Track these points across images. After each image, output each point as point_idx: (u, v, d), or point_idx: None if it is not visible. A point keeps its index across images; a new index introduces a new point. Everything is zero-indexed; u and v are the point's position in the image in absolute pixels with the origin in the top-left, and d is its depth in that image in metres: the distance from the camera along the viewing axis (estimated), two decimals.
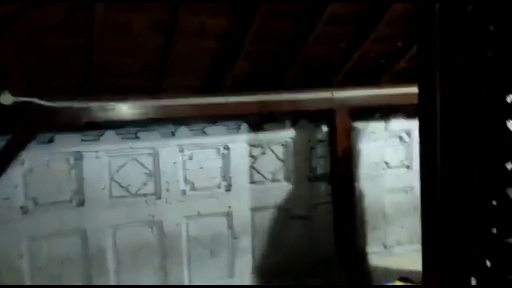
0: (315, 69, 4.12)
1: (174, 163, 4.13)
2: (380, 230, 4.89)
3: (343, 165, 4.25)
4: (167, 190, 4.10)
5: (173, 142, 4.12)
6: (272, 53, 3.78)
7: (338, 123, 4.21)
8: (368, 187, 4.73)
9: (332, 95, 4.21)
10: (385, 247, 4.92)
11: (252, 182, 4.39)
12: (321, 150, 4.55)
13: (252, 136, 4.35)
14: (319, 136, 4.55)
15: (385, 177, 4.88)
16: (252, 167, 4.39)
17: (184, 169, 4.18)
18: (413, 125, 4.92)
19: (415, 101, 4.55)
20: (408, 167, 4.98)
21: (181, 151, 4.16)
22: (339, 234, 4.40)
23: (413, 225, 4.97)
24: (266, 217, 4.44)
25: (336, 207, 4.39)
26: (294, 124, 4.49)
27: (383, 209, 4.89)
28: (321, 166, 4.56)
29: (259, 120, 4.36)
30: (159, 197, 4.09)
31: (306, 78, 4.17)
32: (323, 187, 4.59)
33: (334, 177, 4.39)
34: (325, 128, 4.54)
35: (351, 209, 4.33)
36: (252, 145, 4.37)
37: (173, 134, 4.13)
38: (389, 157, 4.89)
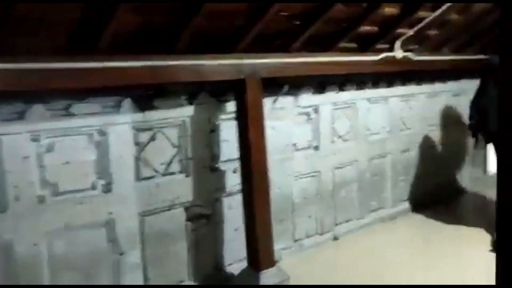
0: (220, 29, 3.19)
1: (25, 158, 2.83)
2: (288, 222, 4.24)
3: (256, 149, 3.43)
4: (16, 199, 2.80)
5: (22, 128, 2.81)
6: (163, 5, 2.74)
7: (250, 97, 3.36)
8: (276, 174, 4.02)
9: (242, 61, 3.34)
10: (294, 240, 4.30)
11: (140, 178, 3.31)
12: (226, 131, 3.65)
13: (137, 116, 3.25)
14: (224, 114, 3.65)
15: (293, 161, 4.22)
16: (138, 158, 3.30)
17: (41, 166, 2.90)
18: (321, 100, 4.34)
19: (327, 71, 3.97)
20: (316, 148, 4.41)
21: (36, 140, 2.87)
22: (250, 232, 3.60)
23: (319, 212, 4.46)
24: (160, 222, 3.41)
25: (247, 200, 3.57)
26: (192, 100, 3.51)
27: (291, 198, 4.25)
28: (227, 151, 3.67)
29: (147, 94, 3.28)
30: (3, 210, 2.77)
31: (208, 40, 3.21)
32: (230, 177, 3.73)
33: (244, 164, 3.55)
34: (230, 105, 3.64)
35: (266, 201, 3.55)
36: (138, 129, 3.28)
37: (21, 116, 2.81)
38: (297, 137, 4.24)
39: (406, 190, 5.42)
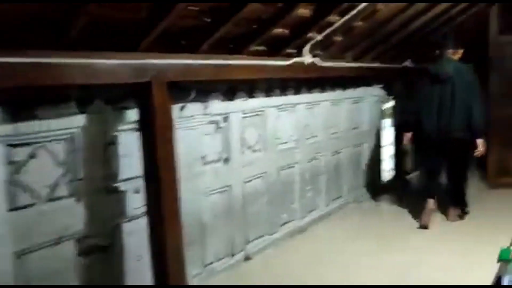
0: (120, 22, 2.64)
1: None
2: (197, 245, 3.76)
3: (165, 163, 2.92)
4: None
5: None
6: None
7: (156, 103, 2.84)
8: (184, 191, 3.52)
9: (146, 61, 2.81)
10: (204, 265, 3.83)
11: (15, 207, 2.58)
12: (126, 144, 3.07)
13: (10, 128, 2.53)
14: (123, 124, 3.06)
15: (203, 176, 3.77)
16: (12, 182, 2.57)
17: None
18: (230, 107, 3.97)
19: (238, 75, 3.59)
20: (226, 160, 4.00)
21: None
22: (158, 261, 3.07)
23: (230, 231, 4.07)
24: (44, 261, 2.71)
25: (154, 225, 3.04)
26: (84, 108, 2.87)
27: (200, 218, 3.78)
28: (127, 168, 3.09)
29: (25, 100, 2.58)
30: None
31: (105, 34, 2.64)
32: (131, 199, 3.15)
33: (150, 182, 3.01)
34: (131, 113, 3.07)
35: (177, 224, 3.05)
36: (11, 144, 2.55)
37: None
38: (207, 149, 3.80)
39: (314, 200, 5.28)
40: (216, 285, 3.74)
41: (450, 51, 5.12)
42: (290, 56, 4.30)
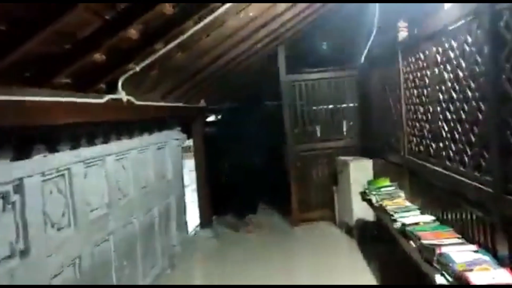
0: None
1: None
2: None
3: None
4: None
5: None
6: None
7: None
8: None
9: None
10: None
11: None
12: None
13: None
14: None
15: None
16: None
17: None
18: (27, 168, 2.60)
19: (38, 118, 2.34)
20: (23, 254, 2.54)
21: None
22: None
23: None
24: None
25: None
26: None
27: None
28: None
29: None
30: None
31: None
32: None
33: None
34: None
35: None
36: None
37: None
38: None
39: (131, 278, 4.08)
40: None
41: None
42: (99, 92, 3.18)
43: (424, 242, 2.76)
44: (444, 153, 3.12)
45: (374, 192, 4.36)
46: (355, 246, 5.45)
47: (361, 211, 5.49)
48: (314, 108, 6.60)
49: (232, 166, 7.43)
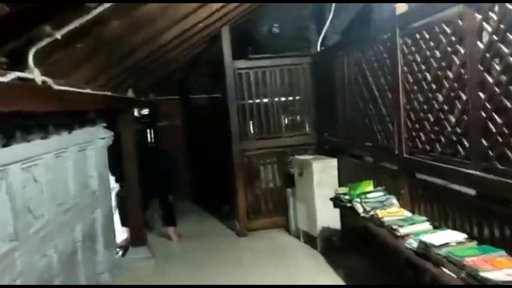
0: None
1: None
2: None
3: None
4: None
5: None
6: None
7: None
8: None
9: None
10: None
11: None
12: None
13: None
14: None
15: None
16: None
17: None
18: None
19: None
20: None
21: None
22: None
23: None
24: None
25: None
26: None
27: None
28: None
29: None
30: None
31: None
32: None
33: None
34: None
35: None
36: None
37: None
38: None
39: None
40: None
41: None
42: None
43: (489, 276, 2.02)
44: (480, 150, 2.43)
45: (358, 199, 3.61)
46: (321, 258, 4.70)
47: (327, 219, 4.76)
48: (265, 100, 5.75)
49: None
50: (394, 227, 3.03)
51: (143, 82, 5.92)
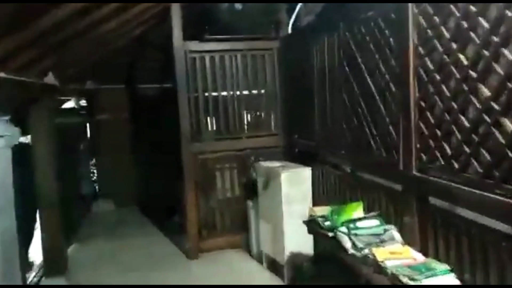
0: None
1: None
2: None
3: None
4: None
5: None
6: None
7: None
8: None
9: None
10: None
11: None
12: None
13: None
14: None
15: None
16: None
17: None
18: None
19: None
20: None
21: None
22: None
23: None
24: None
25: None
26: None
27: None
28: None
29: None
30: None
31: None
32: None
33: None
34: None
35: None
36: None
37: None
38: None
39: None
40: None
41: None
42: None
43: None
44: None
45: (345, 230, 2.64)
46: None
47: (297, 243, 3.79)
48: (224, 93, 4.70)
49: None
50: (404, 279, 2.08)
51: (72, 66, 4.76)
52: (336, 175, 3.54)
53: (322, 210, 3.15)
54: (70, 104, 6.93)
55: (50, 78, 4.23)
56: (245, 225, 4.64)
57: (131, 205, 6.78)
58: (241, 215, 4.69)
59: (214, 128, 4.75)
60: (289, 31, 4.52)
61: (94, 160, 7.29)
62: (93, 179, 7.44)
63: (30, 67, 3.63)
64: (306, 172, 3.91)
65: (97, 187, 7.29)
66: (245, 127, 4.83)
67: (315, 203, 3.76)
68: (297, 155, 4.33)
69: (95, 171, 7.40)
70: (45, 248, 4.04)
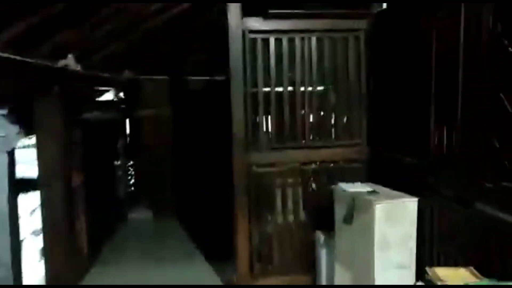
0: None
1: None
2: None
3: None
4: None
5: None
6: None
7: None
8: None
9: None
10: None
11: None
12: None
13: None
14: None
15: None
16: None
17: None
18: None
19: None
20: None
21: None
22: None
23: None
24: None
25: None
26: None
27: None
28: None
29: None
30: None
31: None
32: None
33: None
34: None
35: None
36: None
37: None
38: None
39: None
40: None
41: None
42: None
43: None
44: None
45: None
46: None
47: None
48: (289, 88, 3.58)
49: None
50: None
51: (101, 49, 3.82)
52: (463, 213, 2.32)
53: (446, 273, 2.03)
54: (108, 96, 6.07)
55: (69, 61, 3.28)
56: (312, 264, 3.52)
57: (170, 217, 5.82)
58: (307, 249, 3.58)
59: (276, 133, 3.65)
60: (384, 5, 3.34)
61: (131, 162, 6.40)
62: (130, 182, 6.57)
63: (39, 45, 2.69)
64: (411, 205, 2.72)
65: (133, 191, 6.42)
66: (317, 133, 3.69)
67: (421, 251, 2.59)
68: (391, 177, 3.14)
69: (132, 173, 6.52)
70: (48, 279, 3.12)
